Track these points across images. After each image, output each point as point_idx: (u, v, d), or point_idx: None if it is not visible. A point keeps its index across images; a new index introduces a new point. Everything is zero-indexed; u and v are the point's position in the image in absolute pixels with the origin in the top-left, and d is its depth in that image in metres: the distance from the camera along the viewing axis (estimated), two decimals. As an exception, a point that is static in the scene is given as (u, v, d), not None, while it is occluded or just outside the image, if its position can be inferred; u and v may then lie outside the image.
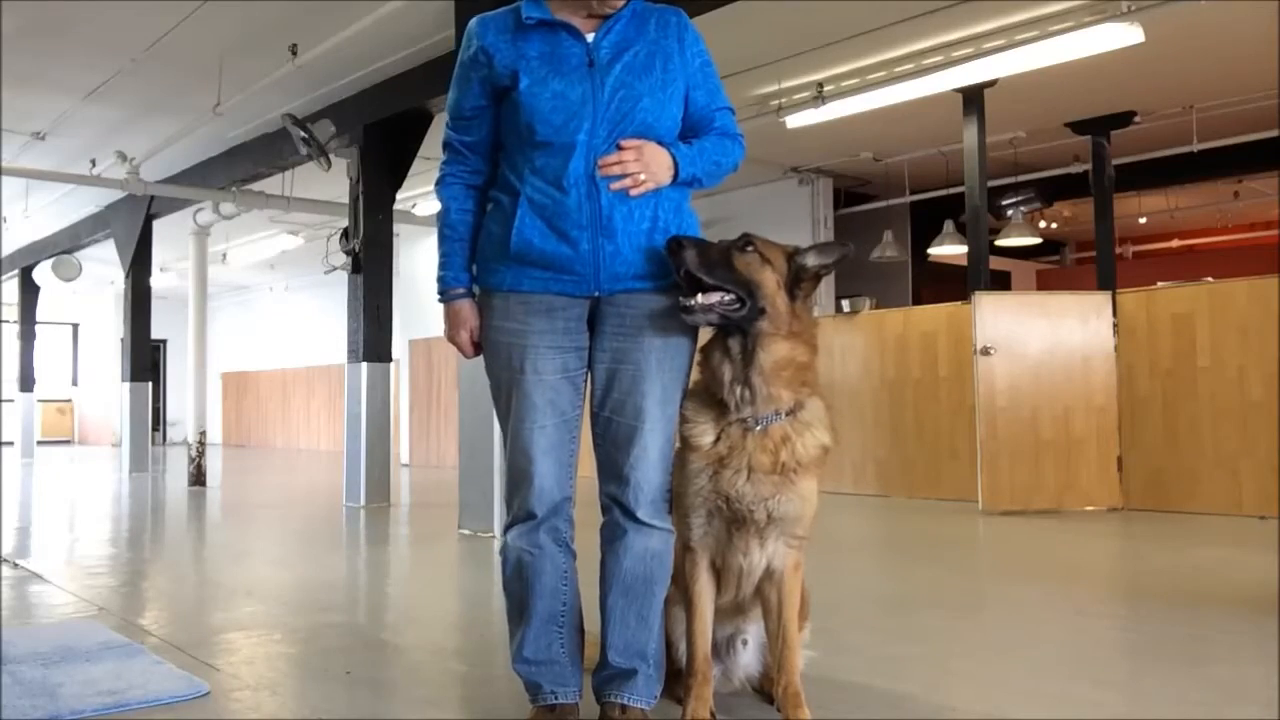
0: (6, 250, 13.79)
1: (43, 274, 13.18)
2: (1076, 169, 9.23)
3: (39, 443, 15.87)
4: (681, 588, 2.29)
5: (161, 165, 9.60)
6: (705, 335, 2.26)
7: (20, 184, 10.23)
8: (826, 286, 10.43)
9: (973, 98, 7.31)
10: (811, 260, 2.21)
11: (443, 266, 2.28)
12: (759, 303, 2.14)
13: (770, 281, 2.16)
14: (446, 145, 2.31)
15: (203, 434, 9.88)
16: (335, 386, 15.18)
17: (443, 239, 2.29)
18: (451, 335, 2.31)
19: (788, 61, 7.14)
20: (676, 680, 2.34)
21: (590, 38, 2.17)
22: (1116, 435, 6.69)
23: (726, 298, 2.13)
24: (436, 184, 2.33)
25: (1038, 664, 2.94)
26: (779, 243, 2.25)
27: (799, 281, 2.19)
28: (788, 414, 2.17)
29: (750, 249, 2.19)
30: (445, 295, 2.29)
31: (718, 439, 2.18)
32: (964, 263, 7.94)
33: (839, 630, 3.21)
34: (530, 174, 2.14)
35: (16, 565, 4.81)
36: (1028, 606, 3.82)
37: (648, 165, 2.14)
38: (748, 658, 2.46)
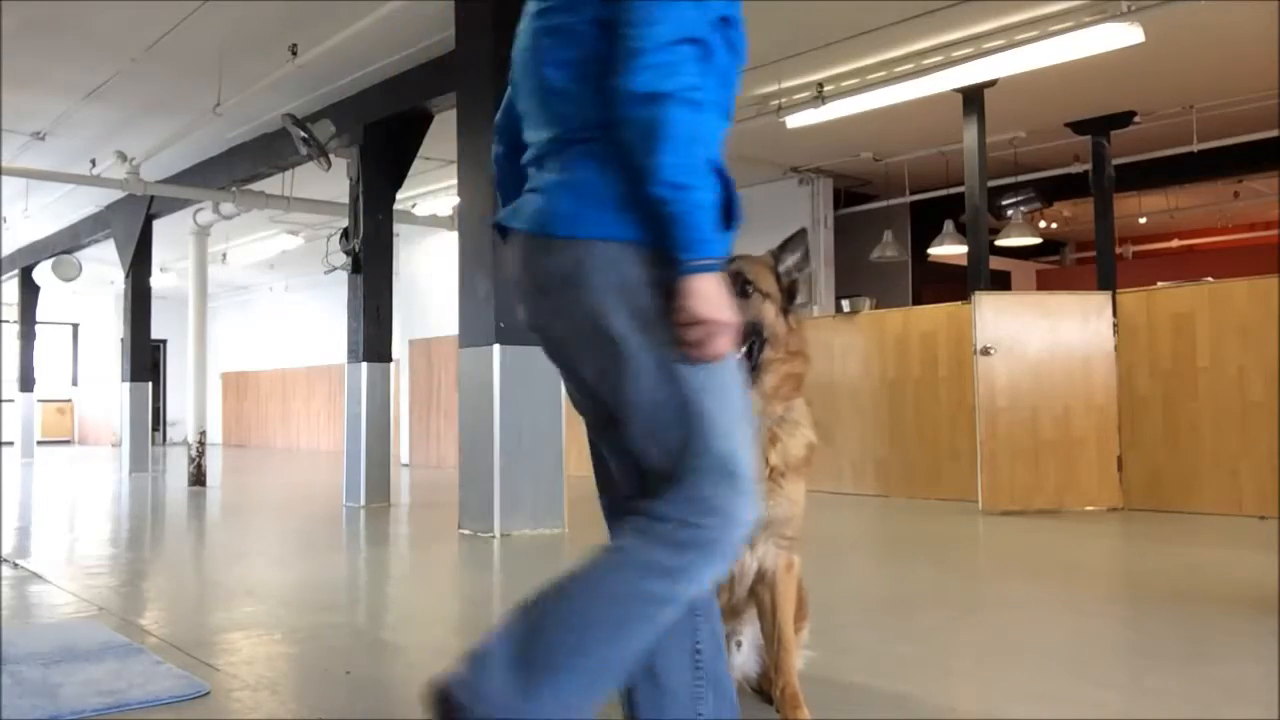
0: (6, 250, 13.80)
1: (43, 274, 13.19)
2: (1076, 169, 9.23)
3: (39, 443, 15.87)
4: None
5: (161, 165, 9.60)
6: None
7: (20, 184, 10.23)
8: (826, 286, 10.42)
9: (973, 98, 7.32)
10: (790, 264, 2.17)
11: (709, 225, 1.53)
12: (764, 336, 2.09)
13: (770, 313, 2.11)
14: (697, 43, 1.50)
15: (203, 434, 9.88)
16: (335, 386, 15.18)
17: (712, 176, 1.55)
18: (724, 320, 1.53)
19: (788, 61, 7.14)
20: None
21: None
22: (1116, 435, 6.69)
23: (741, 350, 2.03)
24: (681, 89, 1.47)
25: (1038, 664, 2.94)
26: (758, 257, 2.16)
27: (791, 298, 2.15)
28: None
29: (749, 289, 2.09)
30: (719, 259, 1.56)
31: None
32: (964, 263, 7.95)
33: (839, 630, 3.21)
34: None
35: (16, 565, 4.81)
36: (1028, 606, 3.82)
37: None
38: (743, 658, 2.45)
